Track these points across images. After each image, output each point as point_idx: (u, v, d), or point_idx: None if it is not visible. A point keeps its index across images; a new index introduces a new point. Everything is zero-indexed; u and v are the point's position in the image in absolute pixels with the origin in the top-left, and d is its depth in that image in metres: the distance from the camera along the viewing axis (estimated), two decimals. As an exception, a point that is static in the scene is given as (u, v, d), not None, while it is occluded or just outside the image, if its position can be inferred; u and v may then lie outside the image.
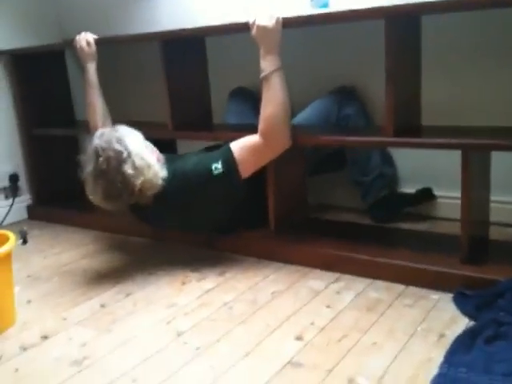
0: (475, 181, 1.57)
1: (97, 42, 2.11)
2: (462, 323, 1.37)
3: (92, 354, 1.37)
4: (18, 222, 2.58)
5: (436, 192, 2.06)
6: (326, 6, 1.81)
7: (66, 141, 2.70)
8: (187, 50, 2.11)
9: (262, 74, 1.72)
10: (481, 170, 1.64)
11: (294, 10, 1.80)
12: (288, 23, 1.68)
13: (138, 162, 1.69)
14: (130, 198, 1.73)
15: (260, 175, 1.83)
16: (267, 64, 1.70)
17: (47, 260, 2.07)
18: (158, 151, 1.84)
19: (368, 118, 2.04)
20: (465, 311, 1.43)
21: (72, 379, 1.26)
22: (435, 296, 1.53)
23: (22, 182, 2.65)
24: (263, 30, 1.67)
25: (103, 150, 1.68)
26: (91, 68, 2.11)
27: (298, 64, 2.15)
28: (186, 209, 1.81)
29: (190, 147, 2.16)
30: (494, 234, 1.77)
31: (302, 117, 2.03)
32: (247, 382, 1.21)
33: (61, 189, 2.61)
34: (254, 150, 1.77)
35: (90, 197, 1.75)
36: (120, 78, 2.73)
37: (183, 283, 1.74)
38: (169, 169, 1.80)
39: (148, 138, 2.23)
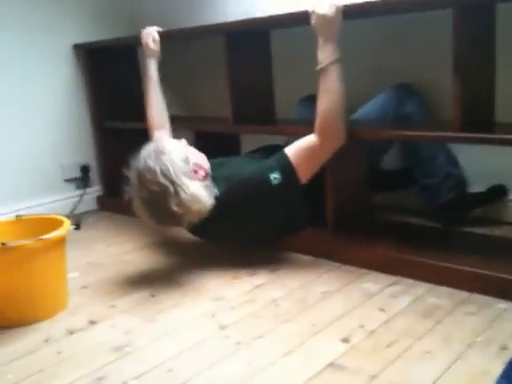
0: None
1: (161, 35, 2.12)
2: (529, 336, 1.23)
3: (133, 341, 1.36)
4: (88, 212, 2.66)
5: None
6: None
7: (135, 133, 2.74)
8: (251, 42, 2.07)
9: (320, 66, 1.64)
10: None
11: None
12: (349, 12, 1.60)
13: (184, 197, 1.58)
14: (177, 223, 1.68)
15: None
16: (325, 55, 1.63)
17: (109, 249, 2.10)
18: (204, 161, 1.75)
19: (429, 116, 1.91)
20: (534, 324, 1.29)
21: (110, 365, 1.26)
22: (502, 305, 1.39)
23: (93, 174, 2.73)
24: (322, 18, 1.60)
25: (148, 181, 1.59)
26: (154, 64, 2.12)
27: (359, 57, 2.06)
28: (240, 220, 1.74)
29: (255, 143, 2.12)
30: None
31: (360, 113, 1.95)
32: (284, 380, 1.15)
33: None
34: (310, 150, 1.69)
35: (136, 212, 1.69)
36: (186, 71, 2.75)
37: (234, 278, 1.70)
38: (221, 176, 1.74)
39: (211, 132, 2.24)
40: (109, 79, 2.64)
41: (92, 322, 1.48)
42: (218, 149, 2.17)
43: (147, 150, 1.65)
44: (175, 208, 1.58)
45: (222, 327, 1.39)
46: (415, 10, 1.72)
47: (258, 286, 1.63)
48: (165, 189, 1.57)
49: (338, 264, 1.74)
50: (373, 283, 1.58)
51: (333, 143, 1.69)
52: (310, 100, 2.07)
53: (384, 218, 2.03)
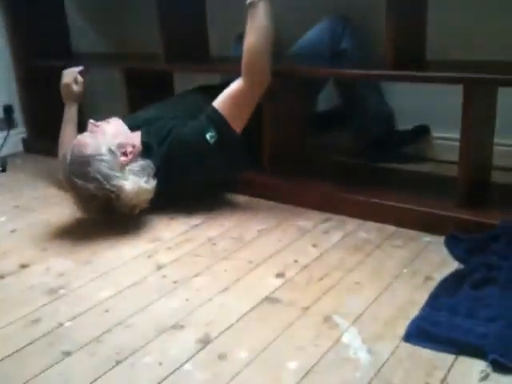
0: (477, 120, 1.48)
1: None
2: (452, 267, 1.31)
3: (68, 284, 1.34)
4: (13, 155, 2.55)
5: (436, 133, 1.97)
6: None
7: (61, 72, 2.62)
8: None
9: (249, 1, 1.61)
10: (485, 108, 1.54)
11: None
12: None
13: (126, 198, 1.54)
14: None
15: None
16: None
17: (37, 192, 2.03)
18: (128, 134, 1.68)
19: (365, 52, 1.92)
20: (456, 255, 1.37)
21: (45, 307, 1.24)
22: (427, 238, 1.47)
23: (18, 115, 2.60)
24: None
25: (86, 195, 1.54)
26: (76, 108, 1.98)
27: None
28: (184, 178, 1.70)
29: (189, 84, 2.07)
30: (499, 178, 1.68)
31: (297, 47, 1.93)
32: (221, 315, 1.17)
33: (56, 122, 2.55)
34: (238, 96, 1.66)
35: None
36: (114, 4, 2.62)
37: (171, 219, 1.70)
38: (157, 139, 1.69)
39: (140, 71, 2.16)
40: (33, 17, 2.48)
41: (23, 266, 1.45)
42: (150, 91, 2.11)
43: (71, 166, 1.55)
44: (124, 209, 1.56)
45: (159, 267, 1.40)
46: None
47: (194, 226, 1.63)
48: (106, 196, 1.53)
49: (273, 203, 1.77)
50: (307, 220, 1.62)
51: (259, 82, 1.67)
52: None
53: (317, 158, 2.06)
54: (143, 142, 1.68)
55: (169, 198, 1.70)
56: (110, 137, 1.62)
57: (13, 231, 1.68)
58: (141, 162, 1.62)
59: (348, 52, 1.89)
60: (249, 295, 1.24)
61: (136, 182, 1.56)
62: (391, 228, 1.54)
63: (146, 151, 1.67)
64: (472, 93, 1.42)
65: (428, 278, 1.27)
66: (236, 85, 1.67)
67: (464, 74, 1.44)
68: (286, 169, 1.85)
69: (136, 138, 1.68)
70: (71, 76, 1.96)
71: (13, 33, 2.49)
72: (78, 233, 1.63)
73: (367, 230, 1.54)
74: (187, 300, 1.24)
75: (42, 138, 2.58)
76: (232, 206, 1.77)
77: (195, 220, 1.68)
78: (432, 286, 1.22)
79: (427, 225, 1.50)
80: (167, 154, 1.67)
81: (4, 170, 2.21)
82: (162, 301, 1.24)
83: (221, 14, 2.21)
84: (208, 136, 1.65)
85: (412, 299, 1.19)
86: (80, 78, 1.97)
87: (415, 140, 2.00)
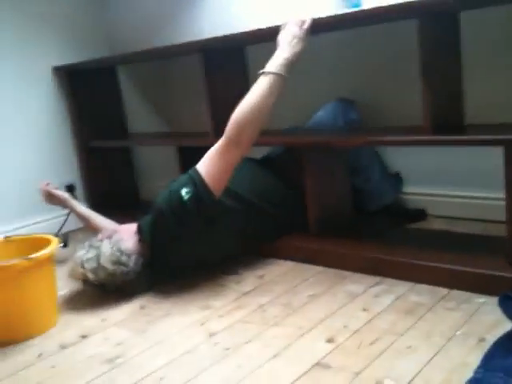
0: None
1: (131, 58, 2.17)
2: (506, 327, 1.28)
3: (125, 352, 1.39)
4: (75, 231, 2.68)
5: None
6: (358, 5, 1.77)
7: (119, 152, 2.80)
8: (227, 58, 2.13)
9: (261, 71, 1.65)
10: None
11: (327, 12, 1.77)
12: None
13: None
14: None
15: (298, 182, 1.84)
16: (273, 64, 1.64)
17: (97, 265, 2.13)
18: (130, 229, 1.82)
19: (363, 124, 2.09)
20: (510, 315, 1.34)
21: (103, 376, 1.29)
22: (480, 300, 1.44)
23: (79, 192, 2.76)
24: (288, 33, 1.65)
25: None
26: (75, 205, 2.21)
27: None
28: (177, 248, 1.73)
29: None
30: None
31: (313, 122, 2.08)
32: (272, 381, 1.18)
33: (115, 197, 2.71)
34: (216, 156, 1.66)
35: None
36: (166, 89, 2.80)
37: (222, 286, 1.74)
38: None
39: (191, 147, 2.30)
40: (89, 99, 2.69)
41: (83, 336, 1.51)
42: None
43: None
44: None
45: (211, 334, 1.43)
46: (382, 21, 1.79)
47: (245, 293, 1.67)
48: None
49: (321, 268, 1.79)
50: (356, 284, 1.63)
51: (236, 145, 1.64)
52: None
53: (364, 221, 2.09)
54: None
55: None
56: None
57: (73, 304, 1.75)
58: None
59: (356, 122, 2.02)
60: (299, 361, 1.25)
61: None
62: (443, 290, 1.52)
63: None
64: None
65: (481, 340, 1.24)
66: (216, 144, 1.67)
67: (504, 136, 1.46)
68: (332, 232, 1.88)
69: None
70: (44, 196, 2.21)
71: (75, 117, 2.70)
72: (134, 302, 1.70)
73: (419, 293, 1.53)
74: (239, 367, 1.26)
75: (102, 214, 2.72)
76: (280, 272, 1.80)
77: (245, 287, 1.71)
78: (485, 347, 1.19)
79: (480, 286, 1.48)
80: (151, 220, 1.75)
81: (66, 245, 2.33)
82: (214, 368, 1.27)
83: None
84: (183, 192, 1.63)
85: (465, 361, 1.16)
86: (53, 189, 2.20)
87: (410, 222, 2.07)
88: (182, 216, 1.65)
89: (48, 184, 2.22)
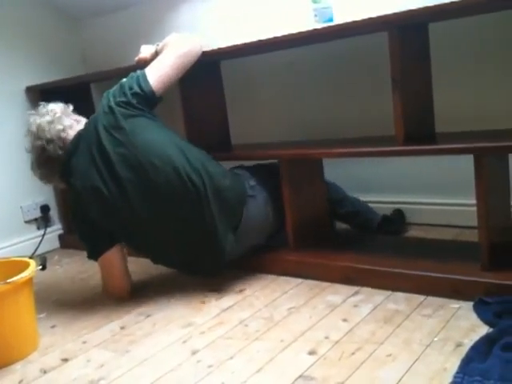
0: (491, 186, 1.53)
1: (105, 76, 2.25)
2: (482, 332, 1.32)
3: (108, 374, 1.38)
4: (51, 252, 2.66)
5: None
6: (330, 20, 1.81)
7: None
8: (201, 73, 2.15)
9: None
10: (497, 174, 1.59)
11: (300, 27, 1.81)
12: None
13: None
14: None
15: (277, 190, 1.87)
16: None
17: (75, 285, 2.12)
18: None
19: None
20: (485, 319, 1.38)
21: (87, 399, 1.28)
22: (455, 305, 1.48)
23: (53, 213, 2.74)
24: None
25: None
26: None
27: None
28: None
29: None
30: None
31: None
32: (257, 397, 1.20)
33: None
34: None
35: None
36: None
37: (202, 302, 1.75)
38: None
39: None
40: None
41: (65, 360, 1.50)
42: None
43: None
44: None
45: (194, 352, 1.44)
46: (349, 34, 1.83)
47: (226, 309, 1.68)
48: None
49: (300, 280, 1.81)
50: (335, 295, 1.66)
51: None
52: None
53: (341, 232, 2.13)
54: None
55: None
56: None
57: (53, 327, 1.74)
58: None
59: None
60: (283, 374, 1.26)
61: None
62: (419, 297, 1.56)
63: None
64: (482, 161, 1.48)
65: (459, 345, 1.28)
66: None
67: (473, 144, 1.51)
68: (310, 245, 1.91)
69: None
70: None
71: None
72: (116, 323, 1.69)
73: (396, 301, 1.56)
74: (223, 383, 1.27)
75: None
76: (261, 286, 1.82)
77: (226, 302, 1.72)
78: (463, 352, 1.23)
79: (455, 291, 1.52)
80: None
81: (44, 268, 2.30)
82: (198, 385, 1.28)
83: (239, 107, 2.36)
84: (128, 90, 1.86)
85: (444, 367, 1.20)
86: None
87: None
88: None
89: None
